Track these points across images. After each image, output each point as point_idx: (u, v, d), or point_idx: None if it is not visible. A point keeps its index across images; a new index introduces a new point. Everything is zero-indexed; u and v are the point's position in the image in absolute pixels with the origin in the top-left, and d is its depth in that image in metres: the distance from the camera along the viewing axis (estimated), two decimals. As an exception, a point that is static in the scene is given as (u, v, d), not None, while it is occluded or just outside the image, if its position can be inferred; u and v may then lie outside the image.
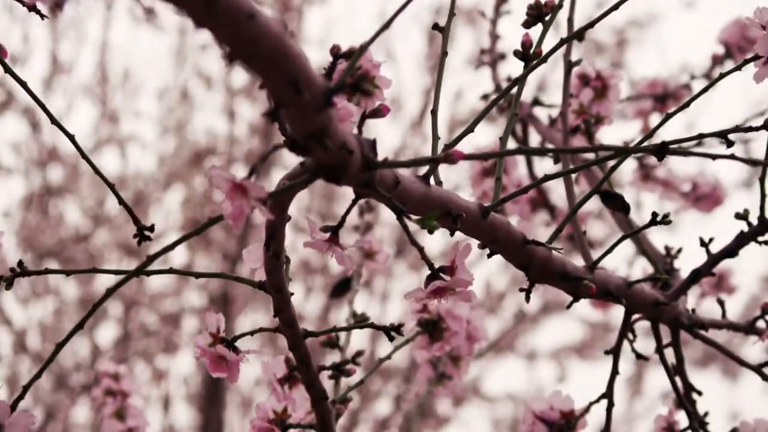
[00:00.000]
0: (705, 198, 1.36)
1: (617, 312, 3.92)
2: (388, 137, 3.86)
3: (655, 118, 1.32)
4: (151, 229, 0.89)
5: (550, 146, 1.23)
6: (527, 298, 0.89)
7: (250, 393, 3.89)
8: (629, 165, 1.33)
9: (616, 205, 0.87)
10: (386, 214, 3.76)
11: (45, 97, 3.89)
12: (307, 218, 0.74)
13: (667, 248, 1.05)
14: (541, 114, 1.23)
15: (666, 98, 1.29)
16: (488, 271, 3.84)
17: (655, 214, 0.88)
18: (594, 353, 3.91)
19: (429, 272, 0.75)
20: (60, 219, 3.64)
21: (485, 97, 1.27)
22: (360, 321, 1.02)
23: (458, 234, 0.80)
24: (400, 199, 0.72)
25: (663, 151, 0.71)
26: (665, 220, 0.88)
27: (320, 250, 0.74)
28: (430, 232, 0.86)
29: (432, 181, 0.77)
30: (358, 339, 3.86)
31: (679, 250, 1.05)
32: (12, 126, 4.47)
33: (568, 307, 0.89)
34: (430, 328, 0.97)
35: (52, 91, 3.95)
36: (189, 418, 3.81)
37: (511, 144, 1.16)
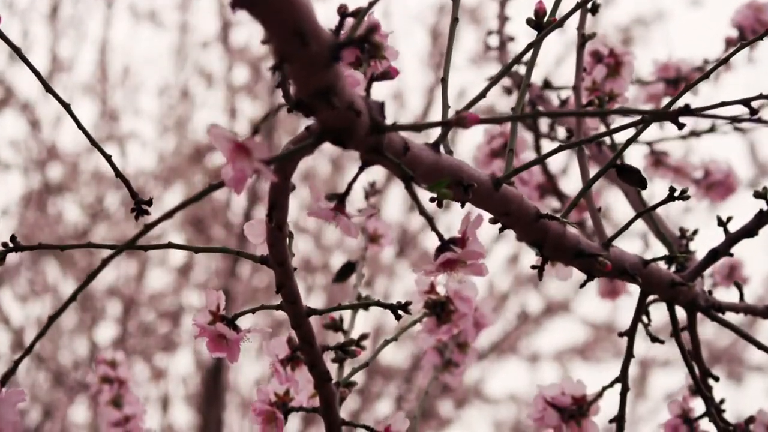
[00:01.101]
0: (717, 186, 1.33)
1: (622, 313, 3.87)
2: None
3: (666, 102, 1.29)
4: (149, 203, 0.86)
5: (561, 129, 1.20)
6: (540, 276, 0.86)
7: (250, 393, 3.86)
8: (640, 151, 1.30)
9: (633, 179, 0.84)
10: (388, 213, 3.73)
11: (44, 94, 3.85)
12: (312, 185, 0.71)
13: (682, 230, 1.02)
14: (551, 96, 1.20)
15: (678, 82, 1.26)
16: (491, 272, 3.81)
17: (672, 189, 0.85)
18: (597, 355, 3.88)
19: (439, 244, 0.72)
20: (59, 216, 3.61)
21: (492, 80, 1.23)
22: (367, 299, 0.99)
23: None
24: (409, 166, 0.69)
25: (686, 113, 0.67)
26: (683, 196, 0.84)
27: (325, 218, 0.70)
28: (440, 200, 0.83)
29: (442, 149, 0.74)
30: (363, 327, 3.83)
31: (695, 232, 1.01)
32: (11, 124, 4.42)
33: (582, 286, 0.86)
34: (437, 310, 0.94)
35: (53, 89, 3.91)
36: (188, 418, 3.78)
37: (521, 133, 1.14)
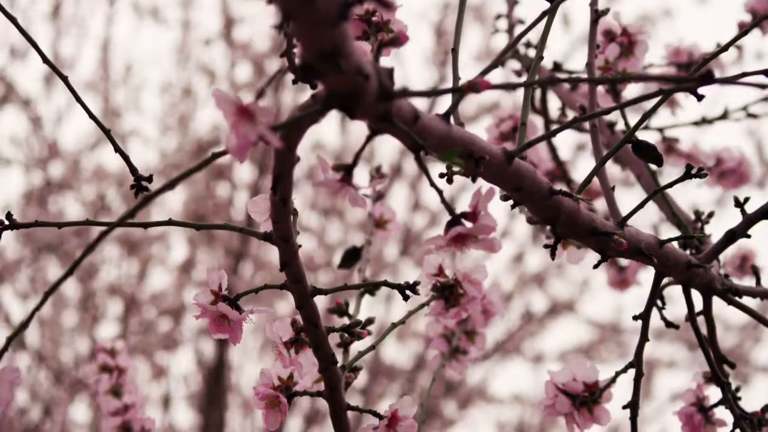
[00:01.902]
0: (730, 174, 1.30)
1: (627, 313, 3.84)
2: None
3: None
4: (149, 179, 0.84)
5: (570, 114, 1.17)
6: (552, 255, 0.83)
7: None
8: (652, 137, 1.27)
9: (648, 155, 0.82)
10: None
11: (46, 92, 3.84)
12: (318, 156, 0.68)
13: (697, 213, 0.99)
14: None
15: (690, 66, 1.23)
16: (495, 272, 3.78)
17: (689, 167, 0.82)
18: (602, 355, 3.85)
19: (449, 218, 0.69)
20: (60, 214, 3.58)
21: (501, 60, 1.21)
22: (372, 283, 0.96)
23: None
24: (418, 136, 0.66)
25: (707, 81, 0.65)
26: (700, 173, 0.82)
27: (332, 189, 0.68)
28: (450, 176, 0.81)
29: (452, 121, 0.71)
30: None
31: (710, 215, 0.99)
32: (12, 121, 4.40)
33: (596, 266, 0.83)
34: (446, 293, 0.91)
35: (54, 87, 3.89)
36: (189, 418, 3.75)
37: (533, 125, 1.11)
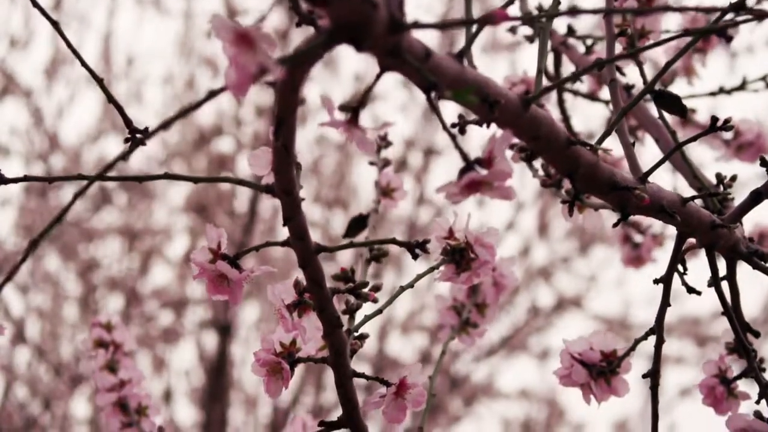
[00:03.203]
0: (748, 146, 1.25)
1: (635, 308, 3.80)
2: (398, 127, 3.76)
3: (696, 57, 1.22)
4: (145, 132, 0.80)
5: (583, 82, 1.13)
6: (570, 211, 0.79)
7: (256, 390, 3.79)
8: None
9: (672, 106, 0.77)
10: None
11: (47, 85, 3.81)
12: (323, 97, 0.64)
13: (719, 176, 0.94)
14: (576, 44, 1.13)
15: (709, 33, 1.19)
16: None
17: (714, 119, 0.78)
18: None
19: (463, 165, 0.65)
20: (60, 206, 3.55)
21: (513, 30, 1.17)
22: (379, 251, 0.92)
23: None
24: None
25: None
26: (726, 126, 0.78)
27: (338, 130, 0.64)
28: (462, 126, 0.76)
29: (465, 63, 0.67)
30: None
31: (733, 178, 0.94)
32: (13, 113, 4.36)
33: (615, 225, 0.79)
34: (456, 257, 0.87)
35: (56, 80, 3.86)
36: (191, 415, 3.71)
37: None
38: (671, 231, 1.36)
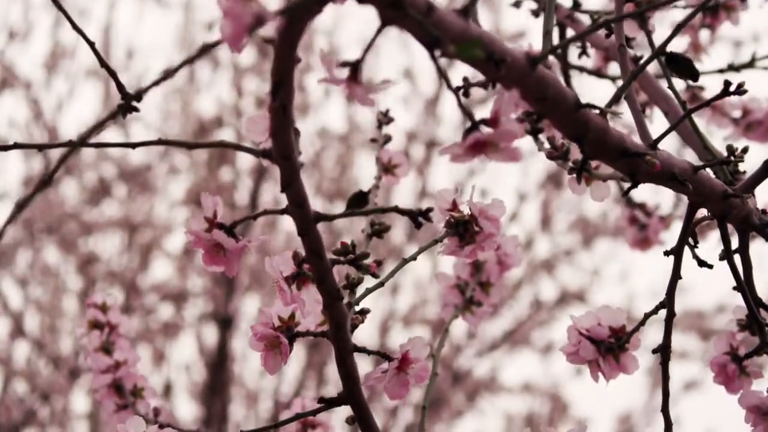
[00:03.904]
0: (757, 126, 1.23)
1: (639, 301, 3.77)
2: (400, 120, 3.74)
3: (704, 34, 1.20)
4: (138, 98, 0.77)
5: (590, 50, 1.10)
6: (579, 178, 0.76)
7: (257, 386, 3.76)
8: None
9: (684, 70, 0.75)
10: (397, 201, 3.64)
11: (47, 80, 3.79)
12: (322, 51, 0.61)
13: (730, 147, 0.92)
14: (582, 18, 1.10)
15: (717, 9, 1.17)
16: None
17: (727, 83, 0.76)
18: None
19: (468, 125, 0.62)
20: (60, 200, 3.53)
21: (517, 4, 1.14)
22: (380, 225, 0.89)
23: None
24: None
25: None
26: (740, 90, 0.75)
27: (338, 86, 0.61)
28: (467, 89, 0.74)
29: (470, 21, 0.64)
30: (372, 312, 3.73)
31: (744, 150, 0.91)
32: (12, 106, 4.34)
33: (625, 194, 0.76)
34: (460, 229, 0.84)
35: (55, 73, 3.83)
36: (191, 409, 3.69)
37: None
38: (679, 212, 1.34)
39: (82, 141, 0.68)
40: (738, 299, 0.85)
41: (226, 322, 3.44)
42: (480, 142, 0.62)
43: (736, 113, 1.24)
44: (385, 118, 1.07)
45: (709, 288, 3.45)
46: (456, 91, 0.61)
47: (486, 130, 0.62)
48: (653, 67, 1.05)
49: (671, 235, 1.33)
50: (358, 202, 1.01)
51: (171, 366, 3.60)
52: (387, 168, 1.04)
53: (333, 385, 3.74)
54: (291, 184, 0.70)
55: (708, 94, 1.22)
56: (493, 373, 3.79)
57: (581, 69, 1.18)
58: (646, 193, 1.34)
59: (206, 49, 0.58)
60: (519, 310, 3.80)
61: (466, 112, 0.62)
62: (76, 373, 3.29)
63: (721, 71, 1.21)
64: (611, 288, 3.79)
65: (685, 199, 1.14)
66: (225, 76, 3.68)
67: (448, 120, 3.74)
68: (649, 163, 0.72)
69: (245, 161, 3.64)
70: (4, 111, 3.74)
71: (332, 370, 3.64)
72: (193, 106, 3.66)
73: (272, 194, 3.59)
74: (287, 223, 3.40)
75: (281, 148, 0.68)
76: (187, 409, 3.70)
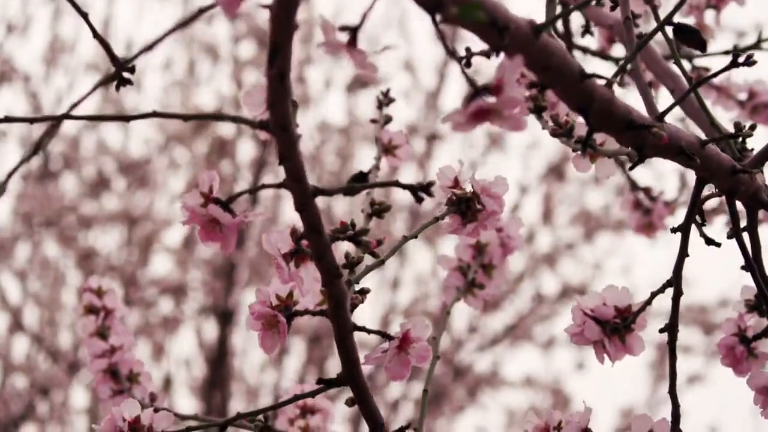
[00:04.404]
0: (763, 108, 1.21)
1: (642, 295, 3.76)
2: (402, 113, 3.72)
3: (709, 14, 1.18)
4: (131, 69, 0.75)
5: (594, 29, 1.09)
6: (584, 151, 0.74)
7: (257, 381, 3.75)
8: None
9: (691, 40, 0.73)
10: (398, 194, 3.62)
11: (46, 74, 3.77)
12: (321, 17, 0.59)
13: (737, 125, 0.90)
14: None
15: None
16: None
17: (736, 54, 0.74)
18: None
19: (470, 92, 0.60)
20: (58, 193, 3.51)
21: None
22: (380, 205, 0.87)
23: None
24: (436, -4, 0.58)
25: None
26: (749, 62, 0.73)
27: (336, 52, 0.59)
28: (469, 58, 0.72)
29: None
30: (374, 306, 3.71)
31: (753, 127, 0.90)
32: (11, 100, 4.33)
33: (631, 168, 0.75)
34: (462, 207, 0.82)
35: (54, 67, 3.81)
36: (190, 405, 3.67)
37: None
38: (684, 198, 1.32)
39: (68, 114, 0.66)
40: (747, 279, 0.83)
41: (226, 316, 3.42)
42: (483, 110, 0.60)
43: (742, 96, 1.22)
44: (385, 99, 1.05)
45: (712, 282, 3.44)
46: (459, 59, 0.59)
47: (489, 97, 0.60)
48: (659, 47, 1.03)
49: (676, 221, 1.31)
50: (357, 183, 1.00)
51: (171, 361, 3.59)
52: (387, 149, 1.02)
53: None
54: (289, 157, 0.68)
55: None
56: (495, 368, 3.77)
57: (585, 50, 1.16)
58: (650, 179, 1.32)
59: (201, 12, 0.56)
60: (520, 305, 3.78)
61: (469, 80, 0.60)
62: (75, 367, 3.27)
63: (726, 53, 1.19)
64: (613, 282, 3.76)
65: (690, 183, 1.12)
66: (225, 69, 3.66)
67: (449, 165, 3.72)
68: (656, 136, 0.70)
69: (245, 155, 3.62)
70: (3, 105, 3.72)
71: (333, 366, 3.63)
72: (193, 100, 3.64)
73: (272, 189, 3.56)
74: (287, 217, 3.38)
75: (278, 119, 0.66)
76: (186, 403, 3.69)
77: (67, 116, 0.73)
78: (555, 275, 3.76)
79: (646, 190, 1.26)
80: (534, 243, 3.73)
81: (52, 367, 3.31)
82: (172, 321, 3.47)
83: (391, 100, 1.05)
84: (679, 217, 1.01)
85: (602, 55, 1.15)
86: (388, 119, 1.04)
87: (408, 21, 3.84)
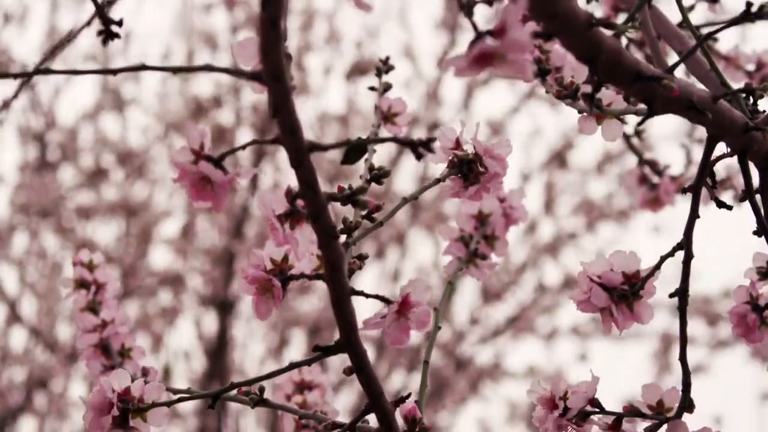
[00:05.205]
0: (772, 80, 1.18)
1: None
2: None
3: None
4: (120, 23, 0.72)
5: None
6: (591, 105, 0.72)
7: (257, 373, 3.71)
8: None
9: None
10: (399, 186, 3.59)
11: (44, 63, 3.73)
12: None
13: (748, 85, 0.87)
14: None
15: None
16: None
17: (749, 4, 0.71)
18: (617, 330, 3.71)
19: (474, 36, 0.58)
20: (56, 184, 3.48)
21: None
22: (380, 171, 0.84)
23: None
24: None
25: None
26: (763, 12, 0.70)
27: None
28: (470, 6, 0.69)
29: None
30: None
31: (765, 87, 0.87)
32: (8, 91, 4.30)
33: (640, 124, 0.72)
34: (464, 169, 0.80)
35: (52, 59, 3.78)
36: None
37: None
38: (690, 174, 1.29)
39: (39, 69, 0.62)
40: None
41: (225, 307, 3.39)
42: (486, 54, 0.57)
43: (750, 66, 1.19)
44: (384, 66, 1.02)
45: (716, 273, 3.41)
46: (462, 4, 0.57)
47: (493, 41, 0.57)
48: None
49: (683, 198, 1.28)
50: (355, 153, 0.97)
51: (169, 353, 3.56)
52: (387, 116, 0.99)
53: (335, 373, 3.70)
54: (282, 109, 0.65)
55: (722, 45, 1.18)
56: (497, 360, 3.74)
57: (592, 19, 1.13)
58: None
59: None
60: (522, 296, 3.75)
61: (472, 23, 0.57)
62: (73, 358, 3.25)
63: (735, 22, 1.16)
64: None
65: (697, 159, 1.09)
66: (223, 59, 3.63)
67: (449, 103, 3.69)
68: (666, 87, 0.67)
69: (245, 141, 3.59)
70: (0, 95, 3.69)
71: (334, 358, 3.59)
72: (191, 88, 3.61)
73: (271, 177, 3.55)
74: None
75: (271, 67, 0.63)
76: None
77: (41, 71, 0.70)
78: (557, 265, 3.73)
79: (652, 164, 1.23)
80: (536, 233, 3.70)
81: (50, 359, 3.29)
82: (171, 312, 3.44)
83: (390, 68, 1.02)
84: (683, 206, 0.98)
85: (607, 24, 1.12)
86: (387, 86, 1.00)
87: (408, 10, 3.81)
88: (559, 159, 3.59)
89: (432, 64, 3.70)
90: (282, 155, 3.47)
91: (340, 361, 0.74)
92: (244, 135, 3.55)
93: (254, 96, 3.49)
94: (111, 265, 3.40)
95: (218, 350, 3.43)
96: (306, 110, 3.47)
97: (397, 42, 3.68)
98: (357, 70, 3.52)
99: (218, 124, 3.49)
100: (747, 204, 0.78)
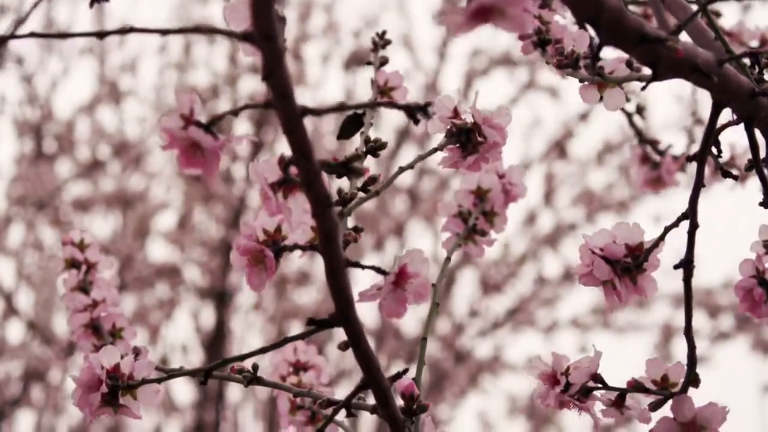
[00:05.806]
0: (775, 57, 1.16)
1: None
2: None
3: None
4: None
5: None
6: (593, 67, 0.69)
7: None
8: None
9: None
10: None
11: (41, 58, 3.72)
12: None
13: (754, 53, 0.85)
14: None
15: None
16: (505, 233, 3.63)
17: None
18: (619, 322, 3.70)
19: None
20: (52, 176, 3.46)
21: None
22: (376, 143, 0.82)
23: None
24: None
25: None
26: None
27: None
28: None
29: None
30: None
31: (771, 54, 0.84)
32: (5, 84, 4.29)
33: (643, 88, 0.69)
34: (462, 138, 0.77)
35: (50, 52, 3.77)
36: (186, 391, 3.63)
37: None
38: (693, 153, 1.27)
39: (13, 34, 0.60)
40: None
41: (223, 298, 3.37)
42: (485, 8, 0.55)
43: (754, 43, 1.17)
44: (381, 41, 1.00)
45: (717, 264, 3.39)
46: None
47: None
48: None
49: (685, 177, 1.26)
50: (351, 126, 0.94)
51: (167, 345, 3.54)
52: (383, 91, 0.97)
53: (333, 367, 3.68)
54: (275, 72, 0.62)
55: (726, 23, 1.16)
56: (497, 352, 3.72)
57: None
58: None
59: None
60: (522, 288, 3.73)
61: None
62: (70, 351, 3.23)
63: (739, -1, 1.14)
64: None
65: (698, 140, 1.06)
66: (220, 50, 3.62)
67: (448, 94, 3.67)
68: (671, 49, 0.65)
69: (241, 148, 3.57)
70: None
71: (333, 351, 3.58)
72: (188, 79, 3.59)
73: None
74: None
75: (263, 28, 0.61)
76: (182, 390, 3.64)
77: (14, 36, 0.68)
78: (557, 257, 3.71)
79: (654, 143, 1.21)
80: (536, 224, 3.68)
81: (46, 351, 3.26)
82: (168, 304, 3.42)
83: (387, 42, 1.00)
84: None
85: None
86: (384, 61, 0.99)
87: (407, 0, 3.79)
88: (558, 149, 3.57)
89: (431, 55, 3.69)
90: (280, 147, 3.45)
91: (339, 356, 0.72)
92: (241, 126, 3.53)
93: (251, 87, 3.47)
94: (108, 257, 3.38)
95: (216, 342, 3.41)
96: (304, 101, 3.44)
97: (395, 32, 3.66)
98: (355, 60, 3.50)
99: (215, 114, 3.46)
100: (746, 199, 0.76)
